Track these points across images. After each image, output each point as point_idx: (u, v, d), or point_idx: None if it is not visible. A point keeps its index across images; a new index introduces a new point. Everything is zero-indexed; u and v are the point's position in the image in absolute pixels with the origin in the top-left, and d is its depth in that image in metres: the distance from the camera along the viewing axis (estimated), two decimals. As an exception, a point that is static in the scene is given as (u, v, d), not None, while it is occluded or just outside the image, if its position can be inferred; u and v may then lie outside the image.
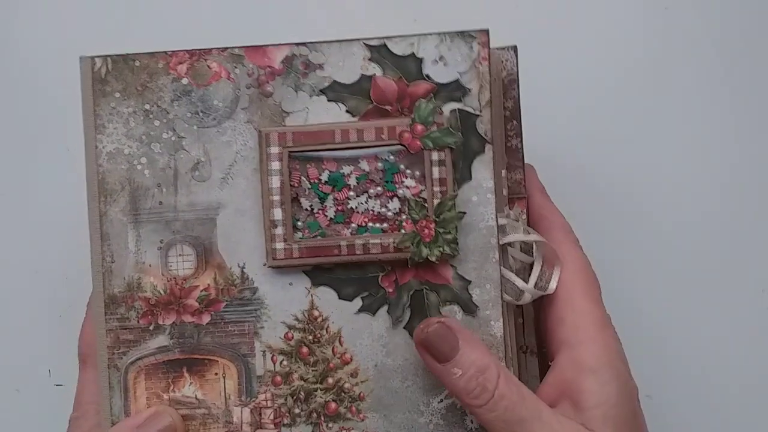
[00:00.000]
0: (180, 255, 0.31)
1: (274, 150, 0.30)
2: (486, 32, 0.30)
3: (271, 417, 0.31)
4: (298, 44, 0.31)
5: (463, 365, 0.26)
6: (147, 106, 0.31)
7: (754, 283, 0.36)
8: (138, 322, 0.31)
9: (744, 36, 0.37)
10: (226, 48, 0.31)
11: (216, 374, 0.31)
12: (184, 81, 0.31)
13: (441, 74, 0.30)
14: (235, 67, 0.31)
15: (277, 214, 0.30)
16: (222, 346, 0.31)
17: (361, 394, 0.31)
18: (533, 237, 0.30)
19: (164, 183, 0.31)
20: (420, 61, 0.30)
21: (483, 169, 0.30)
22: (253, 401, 0.31)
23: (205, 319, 0.31)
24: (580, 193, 0.38)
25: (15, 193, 0.49)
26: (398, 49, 0.30)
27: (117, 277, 0.31)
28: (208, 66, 0.31)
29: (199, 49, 0.31)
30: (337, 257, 0.30)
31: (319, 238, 0.30)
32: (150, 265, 0.31)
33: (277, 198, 0.30)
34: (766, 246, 0.36)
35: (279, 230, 0.30)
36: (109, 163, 0.31)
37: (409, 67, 0.30)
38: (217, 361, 0.31)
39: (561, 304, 0.28)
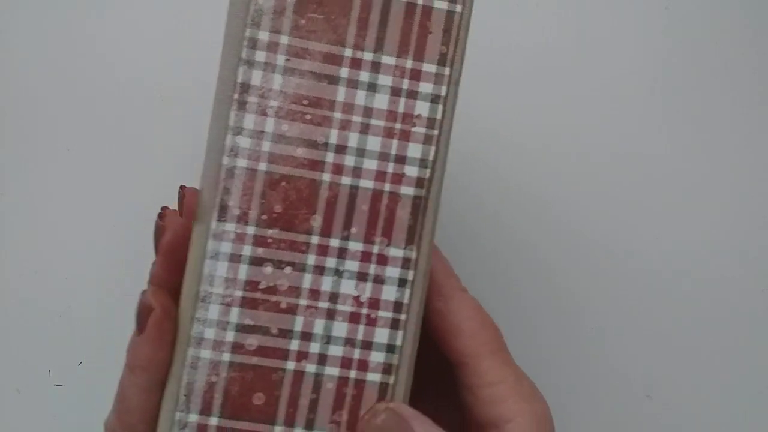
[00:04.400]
0: None
1: None
2: None
3: None
4: None
5: None
6: None
7: (754, 283, 0.36)
8: None
9: (744, 36, 0.37)
10: None
11: None
12: None
13: None
14: None
15: None
16: None
17: None
18: None
19: None
20: None
21: None
22: None
23: None
24: (579, 192, 0.38)
25: (15, 193, 0.49)
26: None
27: None
28: None
29: None
30: None
31: None
32: None
33: None
34: (766, 246, 0.36)
35: None
36: None
37: None
38: None
39: (475, 382, 0.24)
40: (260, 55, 0.22)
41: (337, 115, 0.22)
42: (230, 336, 0.22)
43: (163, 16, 0.45)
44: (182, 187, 0.28)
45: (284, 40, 0.22)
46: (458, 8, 0.23)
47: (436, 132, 0.23)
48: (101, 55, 0.47)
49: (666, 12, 0.38)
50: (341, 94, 0.22)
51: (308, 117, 0.22)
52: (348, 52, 0.22)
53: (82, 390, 0.46)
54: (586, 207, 0.38)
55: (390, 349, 0.22)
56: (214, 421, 0.22)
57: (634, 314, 0.37)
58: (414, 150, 0.23)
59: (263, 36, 0.22)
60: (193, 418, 0.22)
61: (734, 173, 0.36)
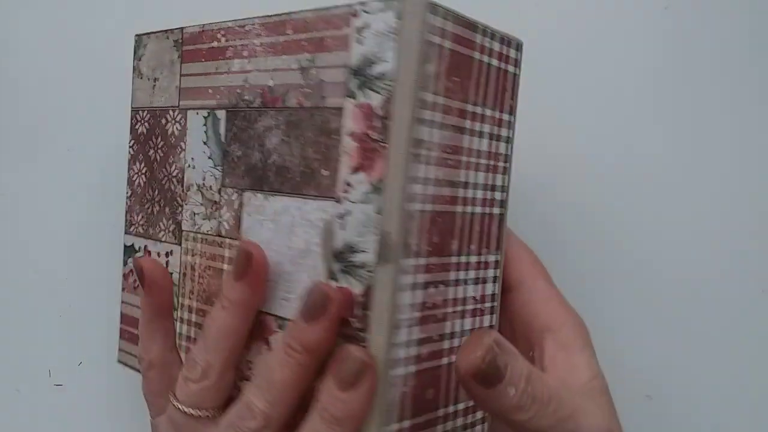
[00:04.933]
0: None
1: None
2: None
3: None
4: None
5: (514, 381, 0.24)
6: None
7: (754, 283, 0.36)
8: None
9: (744, 36, 0.37)
10: None
11: None
12: None
13: None
14: None
15: None
16: None
17: None
18: None
19: None
20: None
21: None
22: None
23: None
24: (577, 193, 0.38)
25: (15, 193, 0.49)
26: None
27: None
28: None
29: None
30: None
31: None
32: None
33: None
34: (766, 246, 0.36)
35: None
36: None
37: None
38: None
39: (532, 297, 0.30)
40: (427, 114, 0.25)
41: (464, 158, 0.27)
42: (413, 351, 0.26)
43: (166, 20, 0.45)
44: (136, 260, 0.32)
45: (439, 100, 0.25)
46: (517, 71, 0.29)
47: (508, 165, 0.30)
48: (102, 56, 0.47)
49: (666, 12, 0.38)
50: (466, 141, 0.27)
51: (450, 162, 0.26)
52: (470, 107, 0.27)
53: (82, 390, 0.46)
54: (582, 207, 0.38)
55: (490, 327, 0.29)
56: (406, 423, 0.26)
57: (634, 314, 0.37)
58: (498, 179, 0.29)
59: (429, 97, 0.25)
60: (394, 427, 0.25)
61: (734, 173, 0.36)
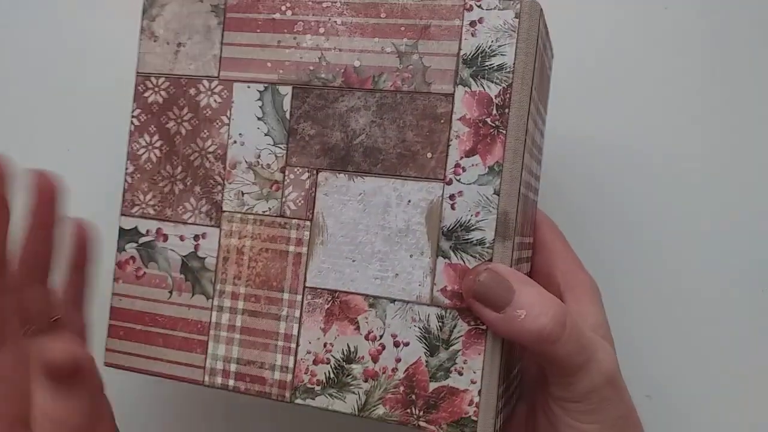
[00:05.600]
0: None
1: None
2: None
3: None
4: None
5: (524, 304, 0.25)
6: None
7: (754, 283, 0.36)
8: None
9: (744, 36, 0.37)
10: None
11: None
12: None
13: None
14: None
15: None
16: None
17: None
18: None
19: None
20: None
21: None
22: None
23: None
24: (579, 194, 0.38)
25: (14, 192, 0.49)
26: None
27: None
28: None
29: None
30: None
31: None
32: None
33: None
34: (766, 246, 0.36)
35: None
36: None
37: None
38: None
39: (553, 258, 0.32)
40: (532, 108, 0.28)
41: (535, 150, 0.30)
42: None
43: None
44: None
45: (534, 95, 0.28)
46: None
47: (542, 157, 0.33)
48: (103, 56, 0.47)
49: (666, 12, 0.38)
50: (537, 135, 0.30)
51: (534, 152, 0.30)
52: (540, 105, 0.30)
53: (82, 390, 0.46)
54: (579, 205, 0.38)
55: None
56: (503, 385, 0.29)
57: (634, 314, 0.37)
58: (539, 170, 0.32)
59: (534, 95, 0.28)
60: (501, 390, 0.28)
61: (734, 173, 0.36)
